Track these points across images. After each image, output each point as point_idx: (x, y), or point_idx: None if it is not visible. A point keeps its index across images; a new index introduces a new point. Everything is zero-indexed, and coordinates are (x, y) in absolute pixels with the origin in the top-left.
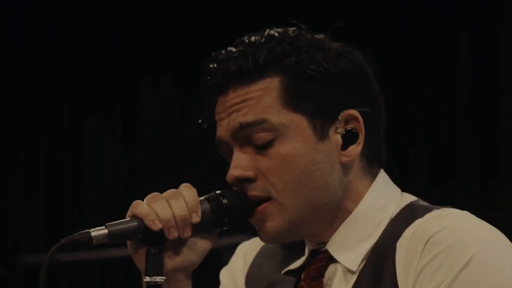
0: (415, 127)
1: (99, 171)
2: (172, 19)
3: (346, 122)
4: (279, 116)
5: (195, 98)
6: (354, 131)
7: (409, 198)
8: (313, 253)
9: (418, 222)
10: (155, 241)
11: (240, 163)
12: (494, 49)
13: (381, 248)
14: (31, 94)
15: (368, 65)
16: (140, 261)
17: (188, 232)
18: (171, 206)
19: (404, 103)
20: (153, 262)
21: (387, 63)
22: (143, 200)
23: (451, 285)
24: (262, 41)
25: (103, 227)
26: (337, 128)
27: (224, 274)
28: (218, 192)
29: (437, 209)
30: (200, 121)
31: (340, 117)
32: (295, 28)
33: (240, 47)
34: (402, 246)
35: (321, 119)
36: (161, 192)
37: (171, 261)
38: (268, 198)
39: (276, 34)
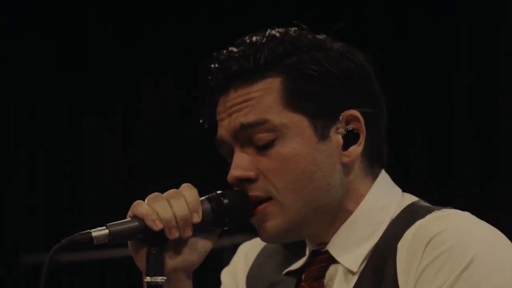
0: (415, 127)
1: (99, 171)
2: (172, 19)
3: (347, 122)
4: (280, 116)
5: (195, 98)
6: (355, 131)
7: (410, 198)
8: (313, 254)
9: (419, 223)
10: (156, 241)
11: (241, 164)
12: (494, 49)
13: (382, 249)
14: (31, 94)
15: (370, 65)
16: (141, 261)
17: (189, 232)
18: (172, 206)
19: (404, 103)
20: (154, 262)
21: (387, 63)
22: (144, 200)
23: (452, 286)
24: (264, 41)
25: (104, 227)
26: (338, 128)
27: (226, 274)
28: (219, 192)
29: (438, 210)
30: (201, 121)
31: (341, 117)
32: (296, 28)
33: (242, 47)
34: (403, 247)
35: (322, 119)
36: (162, 192)
37: (172, 261)
38: (269, 198)
39: (278, 34)
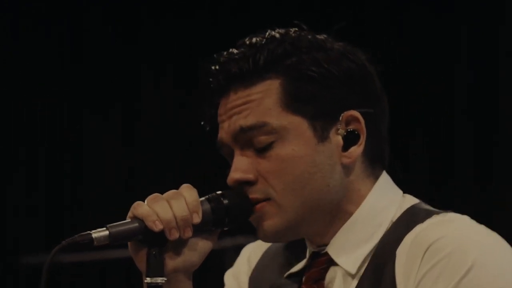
0: (415, 127)
1: (99, 171)
2: (172, 19)
3: (347, 123)
4: (279, 119)
5: (195, 98)
6: (356, 132)
7: (410, 200)
8: (313, 256)
9: (418, 227)
10: (156, 242)
11: (241, 166)
12: (494, 49)
13: (381, 253)
14: (31, 94)
15: (371, 64)
16: (141, 262)
17: (189, 233)
18: (171, 206)
19: (404, 103)
20: (154, 263)
21: (387, 63)
22: (144, 201)
23: None
24: (263, 42)
25: (104, 228)
26: (338, 129)
27: (229, 276)
28: (218, 192)
29: (438, 213)
30: (202, 123)
31: (341, 118)
32: (296, 29)
33: (242, 49)
34: (402, 253)
35: (321, 120)
36: (162, 193)
37: (172, 262)
38: (267, 200)
39: (278, 35)
